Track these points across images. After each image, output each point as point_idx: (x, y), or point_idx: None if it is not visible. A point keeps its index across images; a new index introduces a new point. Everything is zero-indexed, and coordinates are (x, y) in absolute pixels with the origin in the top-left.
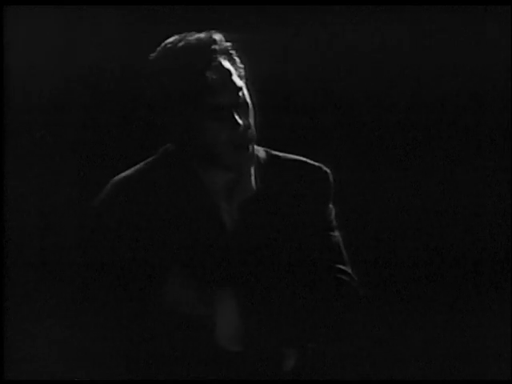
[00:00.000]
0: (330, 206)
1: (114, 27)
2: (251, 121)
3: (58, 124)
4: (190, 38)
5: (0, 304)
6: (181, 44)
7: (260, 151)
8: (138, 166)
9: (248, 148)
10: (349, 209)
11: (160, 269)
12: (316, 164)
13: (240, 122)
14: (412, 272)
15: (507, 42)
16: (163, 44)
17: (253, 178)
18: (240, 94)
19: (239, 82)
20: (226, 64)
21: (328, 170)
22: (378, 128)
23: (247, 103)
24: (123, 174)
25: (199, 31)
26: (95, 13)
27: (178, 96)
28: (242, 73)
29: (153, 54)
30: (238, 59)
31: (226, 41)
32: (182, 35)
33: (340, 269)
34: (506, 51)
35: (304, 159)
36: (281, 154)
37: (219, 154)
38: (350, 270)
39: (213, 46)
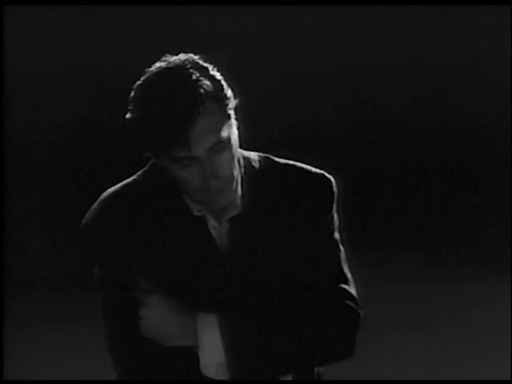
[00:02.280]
0: (333, 217)
1: (114, 27)
2: (231, 166)
3: (58, 124)
4: (172, 83)
5: (0, 305)
6: (160, 89)
7: (258, 160)
8: (127, 181)
9: (223, 193)
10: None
11: (142, 290)
12: (318, 171)
13: (216, 174)
14: (412, 272)
15: (507, 41)
16: (147, 74)
17: (239, 195)
18: (222, 145)
19: (223, 134)
20: (211, 111)
21: (331, 178)
22: (378, 129)
23: (229, 150)
24: (112, 190)
25: (193, 53)
26: (95, 13)
27: (150, 146)
28: (230, 106)
29: (138, 82)
30: (226, 91)
31: (216, 70)
32: (167, 69)
33: (342, 289)
34: (505, 51)
35: (304, 166)
36: (281, 160)
37: (189, 194)
38: (353, 290)
39: (196, 94)
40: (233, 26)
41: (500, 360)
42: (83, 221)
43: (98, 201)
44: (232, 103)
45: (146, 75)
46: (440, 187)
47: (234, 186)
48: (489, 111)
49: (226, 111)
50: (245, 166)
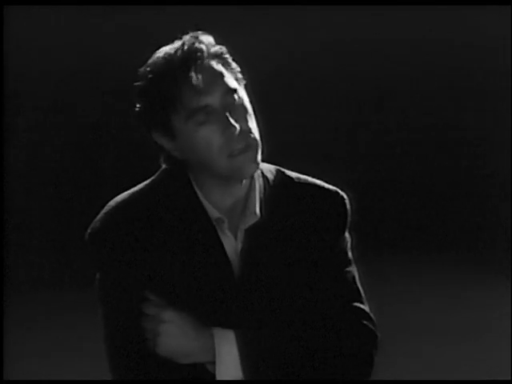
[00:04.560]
0: (346, 235)
1: (114, 27)
2: (251, 125)
3: (58, 124)
4: (176, 43)
5: (0, 305)
6: (165, 48)
7: (270, 171)
8: (136, 188)
9: (247, 154)
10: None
11: (153, 307)
12: (331, 188)
13: (234, 123)
14: (413, 271)
15: (507, 41)
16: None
17: (257, 202)
18: (235, 96)
19: (233, 83)
20: (217, 66)
21: (345, 195)
22: (379, 127)
23: (245, 106)
24: (120, 198)
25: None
26: (95, 13)
27: (162, 103)
28: (239, 75)
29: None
30: (233, 62)
31: (218, 43)
32: (161, 49)
33: (357, 308)
34: (506, 51)
35: (318, 182)
36: (293, 174)
37: (214, 164)
38: (367, 308)
39: (199, 46)
40: (232, 26)
41: (500, 360)
42: (89, 229)
43: (105, 209)
44: (239, 72)
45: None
46: (440, 189)
47: (259, 151)
48: (489, 111)
49: (233, 72)
50: (262, 176)
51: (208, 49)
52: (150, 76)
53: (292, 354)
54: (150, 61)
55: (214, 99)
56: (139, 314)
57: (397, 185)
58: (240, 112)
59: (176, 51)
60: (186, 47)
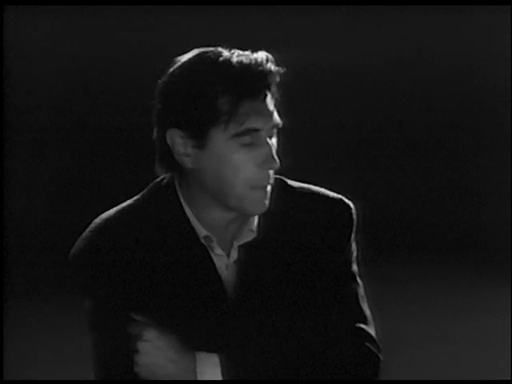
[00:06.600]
0: (351, 247)
1: (114, 27)
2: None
3: (58, 124)
4: (241, 55)
5: (0, 305)
6: (235, 58)
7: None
8: (123, 205)
9: (266, 191)
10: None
11: (137, 326)
12: (336, 196)
13: (276, 159)
14: (414, 273)
15: (507, 41)
16: (192, 55)
17: (256, 218)
18: (275, 129)
19: (279, 119)
20: (273, 92)
21: (350, 204)
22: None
23: (275, 140)
24: (105, 216)
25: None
26: (95, 13)
27: (212, 113)
28: (275, 95)
29: (179, 64)
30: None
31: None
32: (219, 49)
33: (361, 330)
34: (506, 51)
35: (321, 190)
36: (296, 184)
37: (231, 189)
38: (372, 331)
39: (273, 68)
40: (235, 27)
41: (500, 360)
42: (73, 250)
43: (90, 228)
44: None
45: (195, 52)
46: (440, 190)
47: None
48: (489, 111)
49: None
50: None
51: (272, 69)
52: (209, 77)
53: (282, 378)
54: (211, 58)
55: (266, 126)
56: (126, 338)
57: (396, 185)
58: (275, 146)
59: (250, 62)
60: (260, 63)
